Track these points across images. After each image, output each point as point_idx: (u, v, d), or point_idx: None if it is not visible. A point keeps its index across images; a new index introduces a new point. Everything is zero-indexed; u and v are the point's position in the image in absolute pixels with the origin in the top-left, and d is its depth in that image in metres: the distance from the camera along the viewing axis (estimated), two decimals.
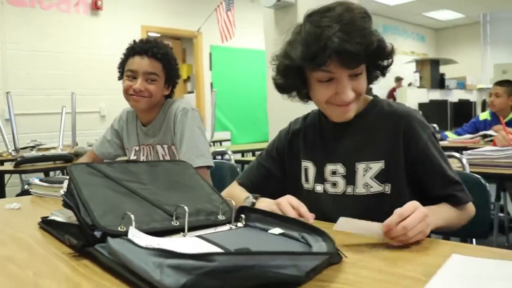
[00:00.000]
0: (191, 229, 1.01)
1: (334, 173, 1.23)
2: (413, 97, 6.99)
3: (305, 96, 1.25)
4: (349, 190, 1.21)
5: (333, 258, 0.84)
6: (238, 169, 2.12)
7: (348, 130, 1.23)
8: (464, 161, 1.85)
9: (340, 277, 0.78)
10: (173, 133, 1.86)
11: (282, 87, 1.24)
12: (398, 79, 9.48)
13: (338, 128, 1.23)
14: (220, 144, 6.20)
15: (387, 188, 1.17)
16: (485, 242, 3.31)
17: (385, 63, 1.19)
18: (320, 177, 1.27)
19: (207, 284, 0.66)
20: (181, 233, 0.98)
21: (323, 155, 1.26)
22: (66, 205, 1.05)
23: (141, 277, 0.72)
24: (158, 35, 7.03)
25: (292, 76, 1.18)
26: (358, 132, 1.22)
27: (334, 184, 1.24)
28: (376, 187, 1.18)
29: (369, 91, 1.26)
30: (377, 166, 1.17)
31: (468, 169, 1.81)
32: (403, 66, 9.37)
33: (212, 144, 6.02)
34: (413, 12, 10.78)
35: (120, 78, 1.91)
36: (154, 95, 1.85)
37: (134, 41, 1.89)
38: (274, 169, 1.37)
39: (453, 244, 0.99)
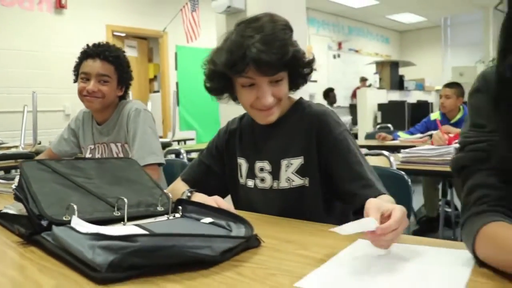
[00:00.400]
0: (132, 219, 1.12)
1: (262, 169, 1.36)
2: (373, 97, 7.21)
3: (235, 99, 1.37)
4: (275, 185, 1.34)
5: (251, 243, 0.96)
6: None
7: (274, 130, 1.34)
8: (392, 159, 2.01)
9: (254, 258, 0.91)
10: (126, 132, 1.97)
11: (211, 90, 1.35)
12: (363, 79, 9.74)
13: (266, 128, 1.35)
14: (185, 143, 6.27)
15: (307, 182, 1.30)
16: (435, 236, 3.53)
17: (305, 71, 1.31)
18: (251, 173, 1.39)
19: (132, 261, 0.78)
20: (122, 222, 1.09)
21: (254, 153, 1.38)
22: (17, 198, 1.15)
23: (77, 258, 0.83)
24: (123, 34, 7.06)
25: (218, 81, 1.30)
26: (283, 132, 1.33)
27: (262, 180, 1.36)
28: (297, 181, 1.30)
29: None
30: (297, 161, 1.30)
31: (395, 166, 1.96)
32: (366, 67, 9.63)
33: (177, 143, 6.09)
34: (377, 14, 11.06)
35: (76, 80, 2.00)
36: (107, 96, 1.96)
37: (87, 45, 1.99)
38: (214, 166, 1.48)
39: None
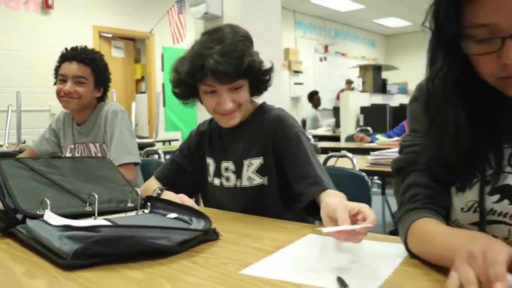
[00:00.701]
0: (103, 214, 1.20)
1: (227, 169, 1.45)
2: (356, 100, 7.33)
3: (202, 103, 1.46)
4: (238, 183, 1.43)
5: (210, 236, 1.05)
6: None
7: (238, 132, 1.44)
8: (355, 161, 2.11)
9: (210, 249, 1.00)
10: (104, 133, 2.06)
11: (178, 96, 1.45)
12: (349, 82, 9.88)
13: (231, 130, 1.44)
14: (170, 144, 6.34)
15: (266, 181, 1.39)
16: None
17: (265, 78, 1.41)
18: (218, 173, 1.48)
19: (95, 250, 0.87)
20: (92, 217, 1.17)
21: (220, 154, 1.48)
22: None
23: (47, 247, 0.91)
24: (110, 35, 7.11)
25: (183, 88, 1.39)
26: (245, 134, 1.43)
27: (228, 179, 1.45)
28: (257, 180, 1.39)
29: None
30: (257, 161, 1.39)
31: (357, 168, 2.06)
32: (352, 70, 9.75)
33: (162, 143, 6.16)
34: (363, 18, 11.21)
35: (56, 83, 2.08)
36: (83, 97, 2.05)
37: (66, 48, 2.08)
38: (185, 165, 1.57)
39: (314, 226, 1.22)
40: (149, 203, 1.27)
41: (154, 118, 7.32)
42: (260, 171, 1.39)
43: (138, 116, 7.34)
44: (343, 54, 11.78)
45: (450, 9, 0.79)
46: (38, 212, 1.11)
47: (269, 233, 1.13)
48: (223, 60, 1.26)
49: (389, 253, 0.93)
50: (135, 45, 8.10)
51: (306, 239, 1.05)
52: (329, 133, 7.35)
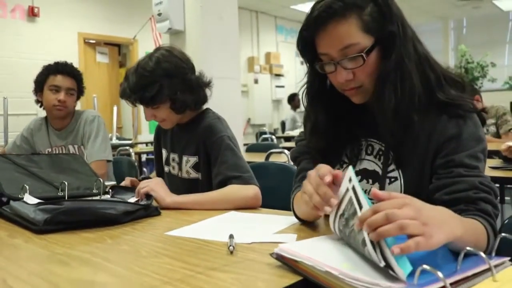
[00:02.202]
0: (72, 198, 1.51)
1: (173, 160, 1.77)
2: None
3: None
4: (179, 174, 1.75)
5: (152, 212, 1.37)
6: (136, 163, 2.66)
7: (183, 131, 1.74)
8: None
9: (149, 220, 1.32)
10: (83, 135, 2.42)
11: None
12: None
13: (178, 128, 1.74)
14: (152, 145, 6.61)
15: (200, 176, 1.69)
16: None
17: (183, 100, 1.63)
18: (167, 161, 1.81)
19: (61, 218, 1.19)
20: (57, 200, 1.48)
21: (170, 146, 1.79)
22: None
23: (25, 218, 1.23)
24: (94, 41, 7.38)
25: None
26: (187, 134, 1.72)
27: (173, 168, 1.77)
28: (193, 174, 1.70)
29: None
30: (193, 159, 1.70)
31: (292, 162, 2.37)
32: None
33: (145, 145, 6.45)
34: None
35: (37, 91, 2.41)
36: (70, 106, 2.42)
37: (55, 62, 2.43)
38: (159, 155, 1.91)
39: None
40: (111, 190, 1.59)
41: (139, 120, 7.61)
42: (195, 167, 1.69)
43: (123, 119, 7.63)
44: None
45: (303, 42, 1.12)
46: (19, 196, 1.43)
47: (199, 212, 1.44)
48: (129, 90, 1.60)
49: (280, 221, 1.25)
50: (121, 50, 8.38)
51: (221, 216, 1.36)
52: None
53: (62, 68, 2.41)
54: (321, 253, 0.80)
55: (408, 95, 1.07)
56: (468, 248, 0.73)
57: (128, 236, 1.14)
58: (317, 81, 1.18)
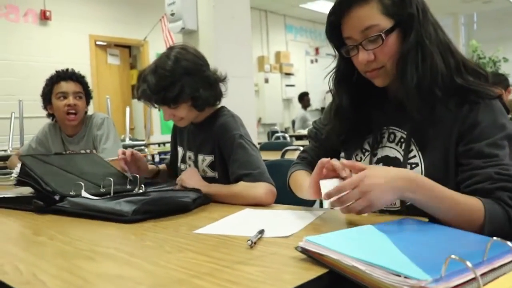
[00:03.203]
0: (116, 193, 1.54)
1: (190, 158, 1.78)
2: None
3: None
4: None
5: (206, 200, 1.46)
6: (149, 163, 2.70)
7: (198, 130, 1.74)
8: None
9: (168, 217, 1.32)
10: (94, 139, 2.47)
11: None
12: None
13: (195, 127, 1.75)
14: (164, 145, 6.66)
15: (216, 175, 1.70)
16: None
17: (204, 97, 1.62)
18: (184, 159, 1.82)
19: (147, 208, 1.28)
20: (108, 196, 1.51)
21: (187, 144, 1.80)
22: (20, 183, 1.58)
23: (107, 212, 1.28)
24: (105, 43, 7.43)
25: None
26: (202, 132, 1.72)
27: (190, 166, 1.77)
28: (210, 173, 1.71)
29: None
30: (209, 158, 1.70)
31: None
32: None
33: (157, 145, 6.49)
34: None
35: (46, 105, 2.47)
36: (81, 109, 2.46)
37: (56, 71, 2.48)
38: (174, 150, 1.93)
39: None
40: (143, 185, 1.62)
41: (152, 120, 7.66)
42: (211, 166, 1.70)
43: (135, 120, 7.68)
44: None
45: (331, 27, 1.21)
46: (71, 193, 1.47)
47: (220, 207, 1.46)
48: (150, 92, 1.59)
49: (304, 217, 1.25)
50: (131, 52, 8.43)
51: (243, 212, 1.37)
52: None
53: (64, 75, 2.47)
54: (347, 246, 0.81)
55: (430, 73, 1.11)
56: (495, 238, 0.73)
57: (150, 232, 1.15)
58: (343, 66, 1.26)
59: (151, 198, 1.31)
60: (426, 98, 1.11)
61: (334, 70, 1.30)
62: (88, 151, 2.45)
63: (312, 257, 0.82)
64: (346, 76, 1.27)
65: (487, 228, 0.99)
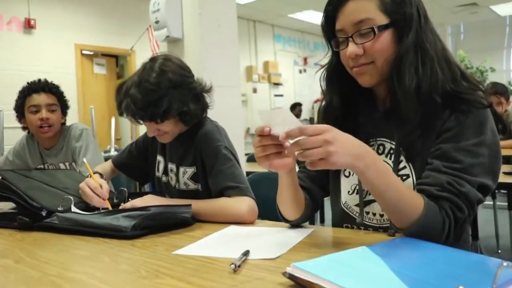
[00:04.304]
0: (105, 209, 1.52)
1: (171, 170, 1.67)
2: None
3: None
4: (177, 185, 1.65)
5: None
6: None
7: (180, 140, 1.63)
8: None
9: (148, 237, 1.23)
10: (73, 152, 2.33)
11: None
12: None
13: (177, 137, 1.63)
14: None
15: (199, 187, 1.60)
16: None
17: (187, 112, 1.52)
18: (165, 171, 1.71)
19: (146, 223, 1.22)
20: (96, 210, 1.48)
21: (169, 155, 1.69)
22: (1, 198, 1.50)
23: (104, 227, 1.22)
24: (92, 53, 7.33)
25: None
26: (184, 143, 1.62)
27: (171, 179, 1.68)
28: (192, 186, 1.61)
29: None
30: (190, 170, 1.60)
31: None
32: None
33: None
34: None
35: (20, 118, 2.34)
36: (56, 124, 2.32)
37: (28, 83, 2.36)
38: (138, 155, 1.82)
39: None
40: (130, 198, 1.55)
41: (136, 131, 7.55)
42: (193, 178, 1.60)
43: (121, 131, 7.56)
44: (322, 66, 12.05)
45: (326, 18, 1.17)
46: (59, 208, 1.41)
47: (202, 225, 1.37)
48: (135, 108, 1.47)
49: (291, 236, 1.17)
50: (118, 61, 8.33)
51: (228, 229, 1.29)
52: None
53: (35, 87, 2.32)
54: (340, 273, 0.73)
55: (430, 78, 1.05)
56: (504, 263, 0.66)
57: (125, 253, 1.07)
58: (335, 61, 1.21)
59: (151, 213, 1.27)
60: (424, 103, 1.05)
61: (326, 66, 1.24)
62: (67, 164, 2.35)
63: (301, 284, 0.75)
64: (337, 73, 1.20)
65: (415, 228, 0.97)
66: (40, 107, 2.29)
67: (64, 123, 2.44)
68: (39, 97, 2.30)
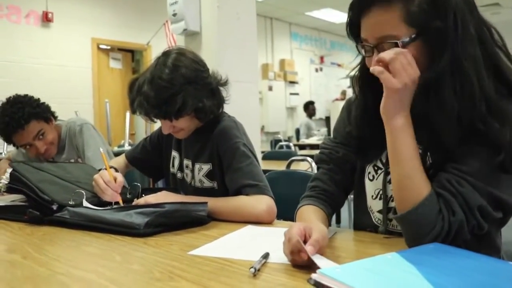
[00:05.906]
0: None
1: (187, 166, 1.61)
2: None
3: None
4: (192, 183, 1.59)
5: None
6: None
7: (197, 136, 1.57)
8: (313, 164, 2.28)
9: (162, 235, 1.18)
10: (76, 149, 2.26)
11: None
12: (343, 93, 10.09)
13: (192, 133, 1.57)
14: None
15: (215, 185, 1.54)
16: None
17: (203, 108, 1.46)
18: (181, 167, 1.65)
19: (160, 221, 1.17)
20: (115, 206, 1.43)
21: (184, 151, 1.63)
22: (12, 190, 1.46)
23: (116, 224, 1.17)
24: (108, 47, 7.32)
25: None
26: (201, 139, 1.56)
27: (187, 175, 1.62)
28: (207, 183, 1.55)
29: None
30: (206, 167, 1.54)
31: (315, 170, 2.23)
32: (346, 80, 9.94)
33: None
34: None
35: (9, 143, 2.19)
36: (53, 140, 2.21)
37: (2, 123, 2.09)
38: (152, 151, 1.76)
39: None
40: (144, 194, 1.48)
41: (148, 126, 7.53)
42: (209, 175, 1.54)
43: (135, 125, 7.56)
44: (339, 65, 11.97)
45: (349, 21, 1.08)
46: (70, 202, 1.36)
47: (217, 223, 1.31)
48: (148, 105, 1.41)
49: None
50: (134, 56, 8.32)
51: (244, 229, 1.23)
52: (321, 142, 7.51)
53: (10, 130, 2.07)
54: (370, 282, 0.66)
55: (470, 102, 0.94)
56: None
57: (138, 252, 1.01)
58: (362, 65, 1.13)
59: (166, 210, 1.20)
60: (465, 130, 0.95)
61: (358, 66, 1.15)
62: (72, 161, 2.27)
63: None
64: (371, 74, 1.09)
65: (409, 215, 0.93)
66: (31, 144, 2.14)
67: (55, 118, 2.30)
68: (21, 137, 2.10)
